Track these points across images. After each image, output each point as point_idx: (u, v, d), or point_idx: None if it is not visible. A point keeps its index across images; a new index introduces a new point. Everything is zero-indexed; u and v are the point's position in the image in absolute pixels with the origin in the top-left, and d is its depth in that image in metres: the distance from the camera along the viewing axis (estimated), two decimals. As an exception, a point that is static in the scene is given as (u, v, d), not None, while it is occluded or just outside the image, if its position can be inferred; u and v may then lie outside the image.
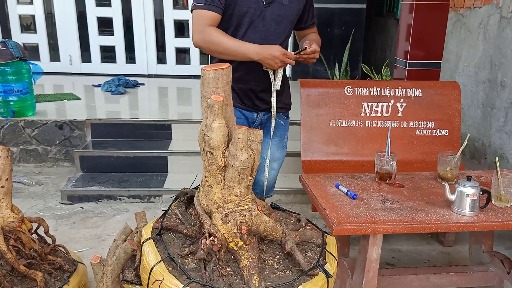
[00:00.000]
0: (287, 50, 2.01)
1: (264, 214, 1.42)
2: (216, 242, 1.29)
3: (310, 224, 1.61)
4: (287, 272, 1.32)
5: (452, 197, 1.73)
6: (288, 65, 1.85)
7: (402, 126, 2.80)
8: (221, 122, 1.33)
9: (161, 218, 1.58)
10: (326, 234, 1.57)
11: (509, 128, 3.23)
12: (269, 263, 1.35)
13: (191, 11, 1.86)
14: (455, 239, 2.74)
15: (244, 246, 1.33)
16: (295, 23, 2.02)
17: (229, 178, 1.34)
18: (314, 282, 1.30)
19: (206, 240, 1.29)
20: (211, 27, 1.81)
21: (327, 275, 1.31)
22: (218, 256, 1.31)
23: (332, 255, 1.46)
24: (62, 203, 3.21)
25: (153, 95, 5.10)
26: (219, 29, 1.84)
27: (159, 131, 3.80)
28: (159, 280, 1.29)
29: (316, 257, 1.39)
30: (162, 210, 1.65)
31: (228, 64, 1.39)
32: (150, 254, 1.43)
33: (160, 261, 1.37)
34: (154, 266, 1.35)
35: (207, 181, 1.40)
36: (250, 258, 1.31)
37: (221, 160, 1.34)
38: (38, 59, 5.77)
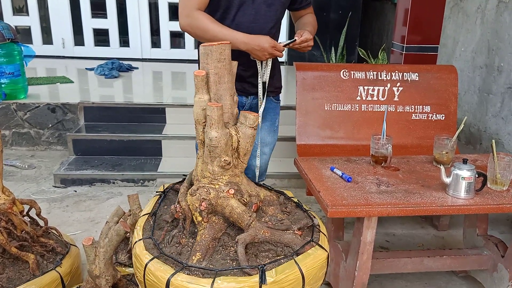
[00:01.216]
0: (279, 33, 1.98)
1: (243, 202, 1.37)
2: (178, 210, 1.36)
3: (293, 204, 1.59)
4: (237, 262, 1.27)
5: (447, 180, 1.72)
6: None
7: (398, 111, 2.78)
8: (201, 96, 1.33)
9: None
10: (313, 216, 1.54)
11: (505, 114, 3.22)
12: (230, 249, 1.31)
13: None
14: (449, 223, 2.74)
15: (202, 222, 1.34)
16: (287, 4, 1.96)
17: (204, 154, 1.37)
18: (241, 280, 1.19)
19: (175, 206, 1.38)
20: (198, 11, 1.71)
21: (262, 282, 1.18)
22: (184, 225, 1.37)
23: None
24: (55, 187, 3.18)
25: (147, 79, 5.04)
26: (207, 14, 1.73)
27: (153, 115, 3.76)
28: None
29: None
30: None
31: (227, 42, 1.35)
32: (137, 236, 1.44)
33: (141, 239, 1.39)
34: (137, 241, 1.40)
35: (198, 153, 1.44)
36: (204, 236, 1.31)
37: (201, 135, 1.38)
38: (31, 42, 5.67)
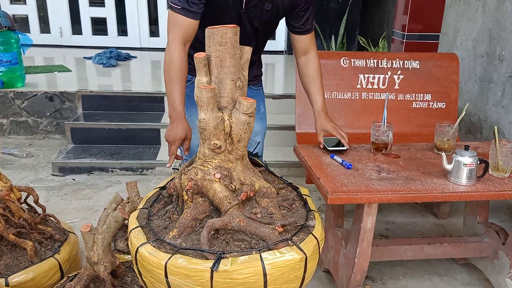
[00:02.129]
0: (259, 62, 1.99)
1: (231, 188, 1.35)
2: (171, 186, 1.40)
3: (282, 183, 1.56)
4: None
5: (449, 166, 1.71)
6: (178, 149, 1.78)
7: (398, 99, 2.76)
8: (200, 78, 1.33)
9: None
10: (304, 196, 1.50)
11: (506, 103, 3.20)
12: (219, 234, 1.30)
13: (168, 7, 1.71)
14: (449, 212, 2.74)
15: (188, 201, 1.35)
16: (276, 27, 1.91)
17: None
18: (195, 261, 1.17)
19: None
20: (178, 46, 1.65)
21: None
22: (177, 202, 1.39)
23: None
24: (54, 175, 3.16)
25: (145, 68, 5.00)
26: (183, 56, 1.67)
27: (152, 104, 3.74)
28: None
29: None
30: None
31: (233, 26, 1.32)
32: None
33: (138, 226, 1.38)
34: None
35: None
36: (186, 215, 1.31)
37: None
38: (28, 31, 5.61)
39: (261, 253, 1.18)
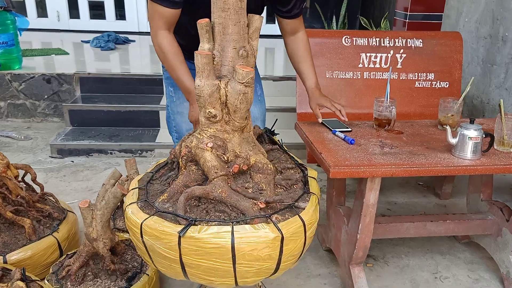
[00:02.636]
0: None
1: (223, 159, 1.33)
2: (171, 152, 1.41)
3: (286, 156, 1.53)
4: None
5: (453, 140, 1.67)
6: None
7: (401, 78, 2.72)
8: (202, 45, 1.30)
9: None
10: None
11: (509, 84, 3.16)
12: (201, 203, 1.29)
13: None
14: (451, 192, 2.71)
15: (181, 168, 1.34)
16: (261, 13, 1.81)
17: None
18: (167, 225, 1.16)
19: None
20: (164, 37, 1.62)
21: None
22: (177, 169, 1.39)
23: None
24: (52, 157, 3.13)
25: (144, 51, 4.95)
26: (171, 40, 1.63)
27: (151, 86, 3.70)
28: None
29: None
30: None
31: None
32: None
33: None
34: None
35: None
36: (178, 181, 1.30)
37: None
38: (25, 15, 5.54)
39: (234, 226, 1.15)
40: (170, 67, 1.66)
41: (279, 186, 1.40)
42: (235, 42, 1.31)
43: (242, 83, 1.27)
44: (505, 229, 1.93)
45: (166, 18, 1.60)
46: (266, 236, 1.15)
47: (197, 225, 1.15)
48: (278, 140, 1.63)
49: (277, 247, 1.18)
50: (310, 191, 1.37)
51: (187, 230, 1.13)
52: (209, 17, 1.30)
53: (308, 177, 1.45)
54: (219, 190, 1.23)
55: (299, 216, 1.24)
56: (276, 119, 1.89)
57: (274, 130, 1.67)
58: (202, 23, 1.27)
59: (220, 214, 1.22)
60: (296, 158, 1.55)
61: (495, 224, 1.99)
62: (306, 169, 1.49)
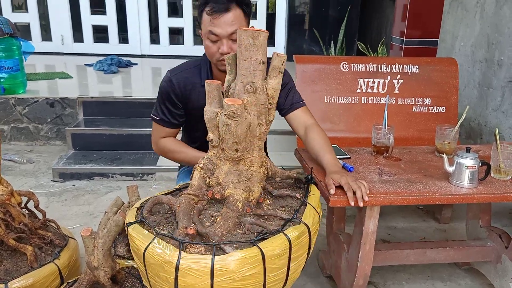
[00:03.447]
0: None
1: (205, 180, 1.44)
2: None
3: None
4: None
5: (450, 169, 1.70)
6: None
7: (398, 103, 2.76)
8: (228, 77, 1.43)
9: None
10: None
11: (505, 107, 3.20)
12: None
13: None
14: (451, 217, 2.72)
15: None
16: None
17: None
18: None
19: None
20: (164, 139, 1.86)
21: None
22: None
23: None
24: (54, 181, 3.16)
25: (146, 74, 5.02)
26: (173, 138, 1.88)
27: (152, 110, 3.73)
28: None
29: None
30: None
31: (251, 28, 1.33)
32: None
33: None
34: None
35: None
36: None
37: None
38: (30, 39, 5.63)
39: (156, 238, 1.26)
40: (179, 154, 1.84)
41: (256, 216, 1.38)
42: (243, 77, 1.36)
43: (225, 115, 1.32)
44: (504, 256, 1.94)
45: (167, 133, 1.87)
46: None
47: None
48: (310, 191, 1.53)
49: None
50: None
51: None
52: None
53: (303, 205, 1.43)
54: (177, 205, 1.35)
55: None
56: (311, 167, 1.73)
57: (312, 179, 1.57)
58: (227, 55, 1.41)
59: (169, 225, 1.35)
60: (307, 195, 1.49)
61: (494, 250, 2.00)
62: (302, 180, 1.56)
